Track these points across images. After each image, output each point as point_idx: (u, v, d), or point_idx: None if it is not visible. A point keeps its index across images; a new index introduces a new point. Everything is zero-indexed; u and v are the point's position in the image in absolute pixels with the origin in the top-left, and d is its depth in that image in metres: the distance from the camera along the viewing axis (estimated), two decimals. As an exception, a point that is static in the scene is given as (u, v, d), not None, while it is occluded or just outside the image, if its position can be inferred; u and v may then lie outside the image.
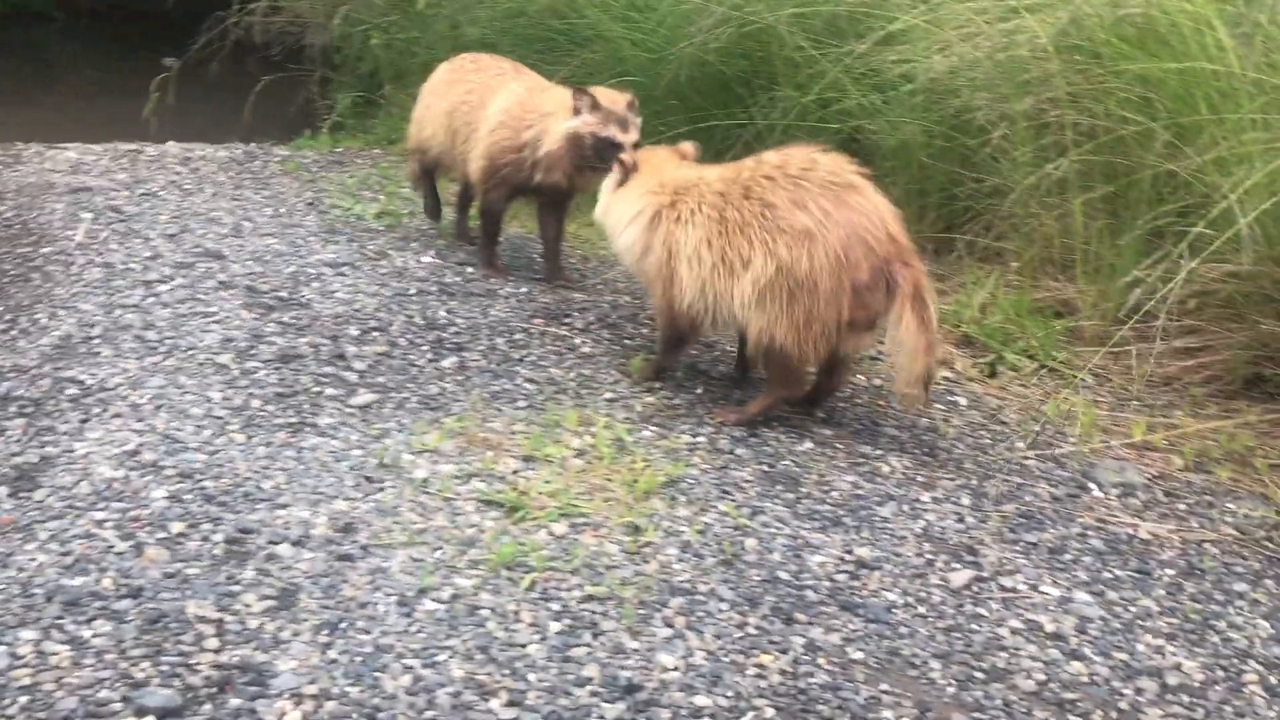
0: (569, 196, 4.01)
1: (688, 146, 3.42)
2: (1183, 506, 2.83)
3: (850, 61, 4.54)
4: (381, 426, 2.93)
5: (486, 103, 4.01)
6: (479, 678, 2.01)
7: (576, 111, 3.68)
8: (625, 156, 3.33)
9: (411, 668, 2.02)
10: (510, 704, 1.95)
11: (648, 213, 3.16)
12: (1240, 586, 2.48)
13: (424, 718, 1.90)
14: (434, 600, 2.22)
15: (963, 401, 3.35)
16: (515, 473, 2.73)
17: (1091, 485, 2.90)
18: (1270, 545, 2.65)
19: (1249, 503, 2.83)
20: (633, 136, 3.65)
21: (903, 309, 2.82)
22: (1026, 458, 3.02)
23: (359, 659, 2.04)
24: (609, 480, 2.72)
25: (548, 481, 2.68)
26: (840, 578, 2.42)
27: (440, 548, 2.40)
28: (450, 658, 2.06)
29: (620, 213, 3.27)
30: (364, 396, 3.08)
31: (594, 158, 3.65)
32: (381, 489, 2.63)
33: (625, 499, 2.64)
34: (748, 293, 2.91)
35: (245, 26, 7.09)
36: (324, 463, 2.72)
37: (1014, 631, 2.27)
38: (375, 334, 3.47)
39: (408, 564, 2.33)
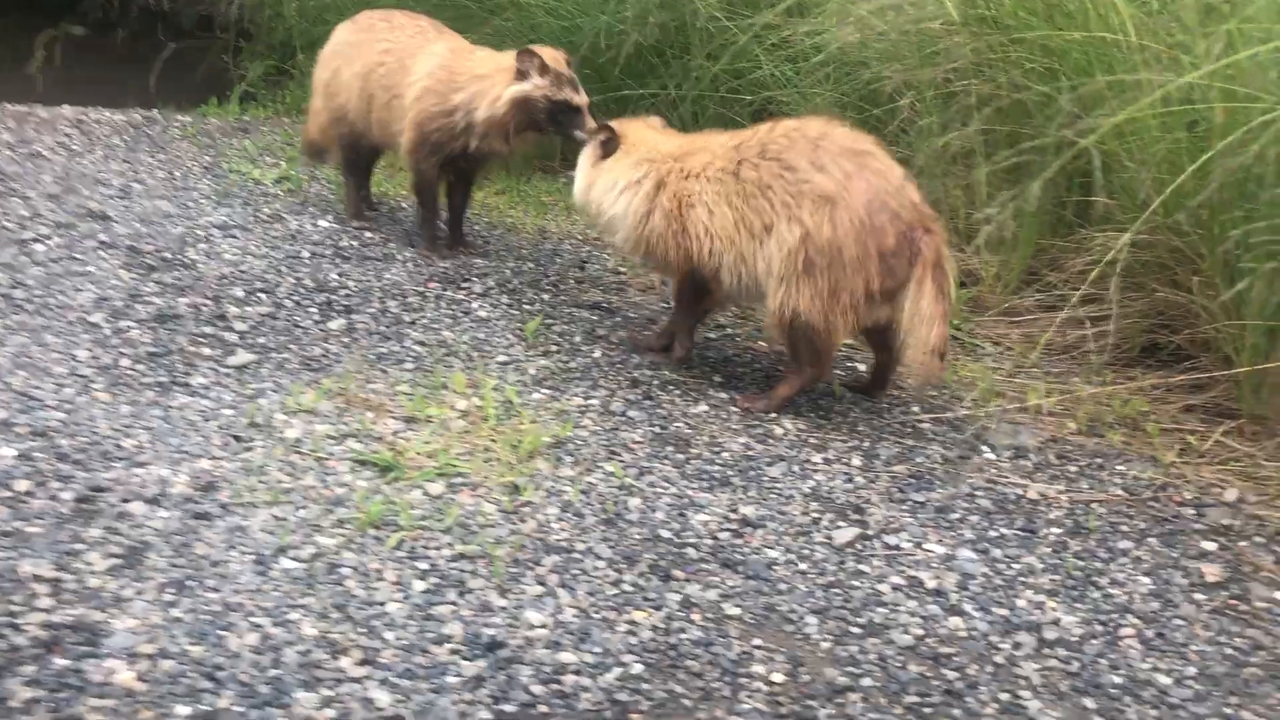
0: (493, 161, 3.87)
1: (654, 119, 3.26)
2: (1073, 469, 2.80)
3: (762, 32, 4.48)
4: (257, 386, 2.80)
5: (408, 65, 3.76)
6: (332, 636, 1.90)
7: (522, 74, 3.49)
8: (614, 125, 3.14)
9: (260, 626, 1.91)
10: (362, 662, 1.85)
11: (649, 179, 3.00)
12: (1124, 544, 2.45)
13: (267, 676, 1.79)
14: (292, 559, 2.11)
15: (862, 368, 3.30)
16: (394, 434, 2.62)
17: (984, 448, 2.87)
18: (1156, 505, 2.64)
19: (1138, 465, 2.82)
20: (584, 98, 3.52)
21: (924, 277, 2.73)
22: (921, 421, 2.98)
23: (205, 618, 1.92)
24: (493, 441, 2.62)
25: (427, 442, 2.58)
26: (723, 536, 2.35)
27: (306, 507, 2.29)
28: (304, 616, 1.95)
29: (609, 183, 3.07)
30: (242, 357, 2.94)
31: (547, 122, 3.52)
32: (250, 448, 2.50)
33: (508, 459, 2.54)
34: (773, 259, 2.78)
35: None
36: (191, 422, 2.59)
37: (895, 588, 2.22)
38: (261, 295, 3.33)
39: (269, 523, 2.22)
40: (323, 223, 4.06)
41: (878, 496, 2.57)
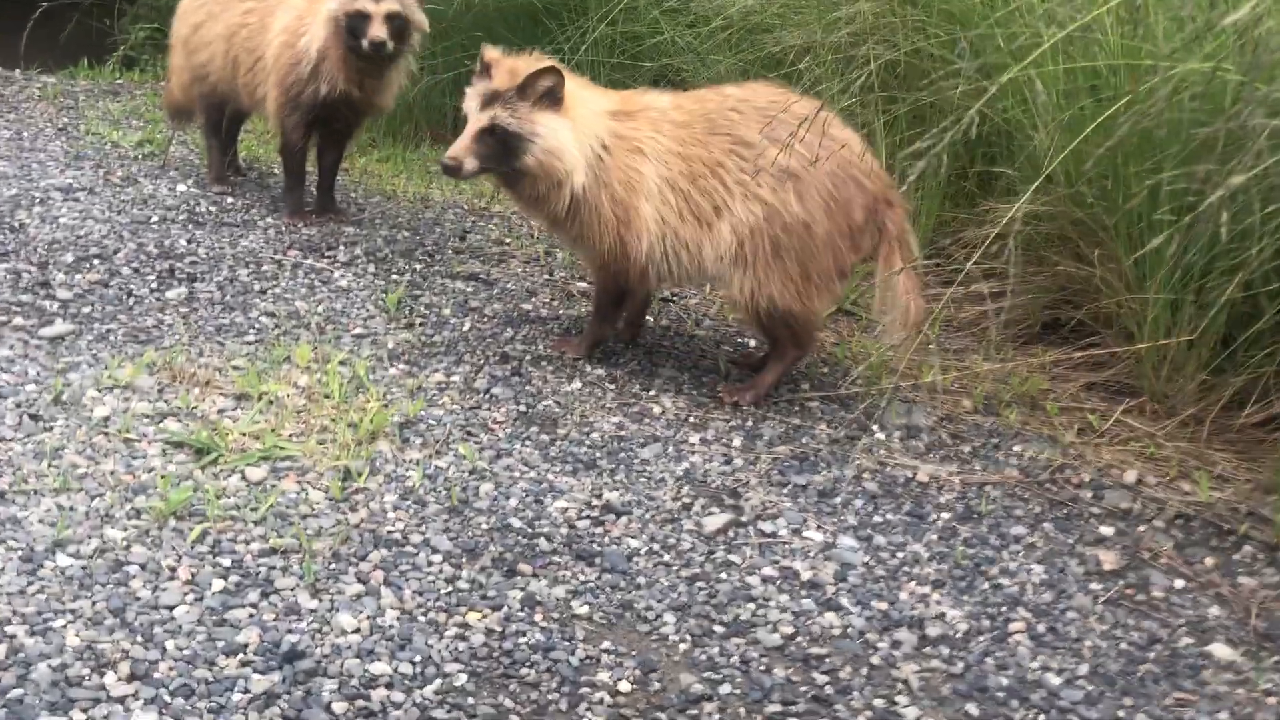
0: (363, 114, 3.54)
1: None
2: (967, 449, 2.59)
3: (662, -4, 4.22)
4: (70, 360, 2.46)
5: (269, 24, 3.46)
6: (100, 646, 1.60)
7: None
8: (488, 52, 2.60)
9: (12, 636, 1.59)
10: (130, 678, 1.55)
11: (592, 141, 2.53)
12: (1018, 530, 2.24)
13: (6, 698, 1.48)
14: (70, 555, 1.79)
15: (752, 344, 3.06)
16: (220, 412, 2.31)
17: (874, 428, 2.64)
18: (1052, 488, 2.44)
19: (1035, 445, 2.62)
20: (386, 6, 3.19)
21: (891, 253, 2.51)
22: (809, 399, 2.74)
23: (-55, 627, 1.60)
24: (332, 421, 2.32)
25: (255, 422, 2.27)
26: (581, 525, 2.08)
27: (100, 495, 1.97)
28: (69, 623, 1.64)
29: (569, 139, 2.55)
30: (59, 327, 2.60)
31: (349, 37, 3.22)
32: (49, 428, 2.18)
33: (346, 440, 2.25)
34: (725, 245, 2.47)
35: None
36: (-16, 399, 2.25)
37: (766, 580, 1.98)
38: (94, 261, 2.98)
39: (50, 514, 1.90)
40: (181, 187, 3.70)
41: (756, 480, 2.33)
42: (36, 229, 3.14)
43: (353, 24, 3.19)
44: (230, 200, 3.64)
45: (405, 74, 3.51)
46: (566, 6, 4.62)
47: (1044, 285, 3.38)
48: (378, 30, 3.18)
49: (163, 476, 2.04)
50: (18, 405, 2.24)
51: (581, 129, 2.57)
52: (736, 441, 2.48)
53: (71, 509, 1.92)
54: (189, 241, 3.22)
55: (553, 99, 2.51)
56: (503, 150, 2.50)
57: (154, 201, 3.52)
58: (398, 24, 3.23)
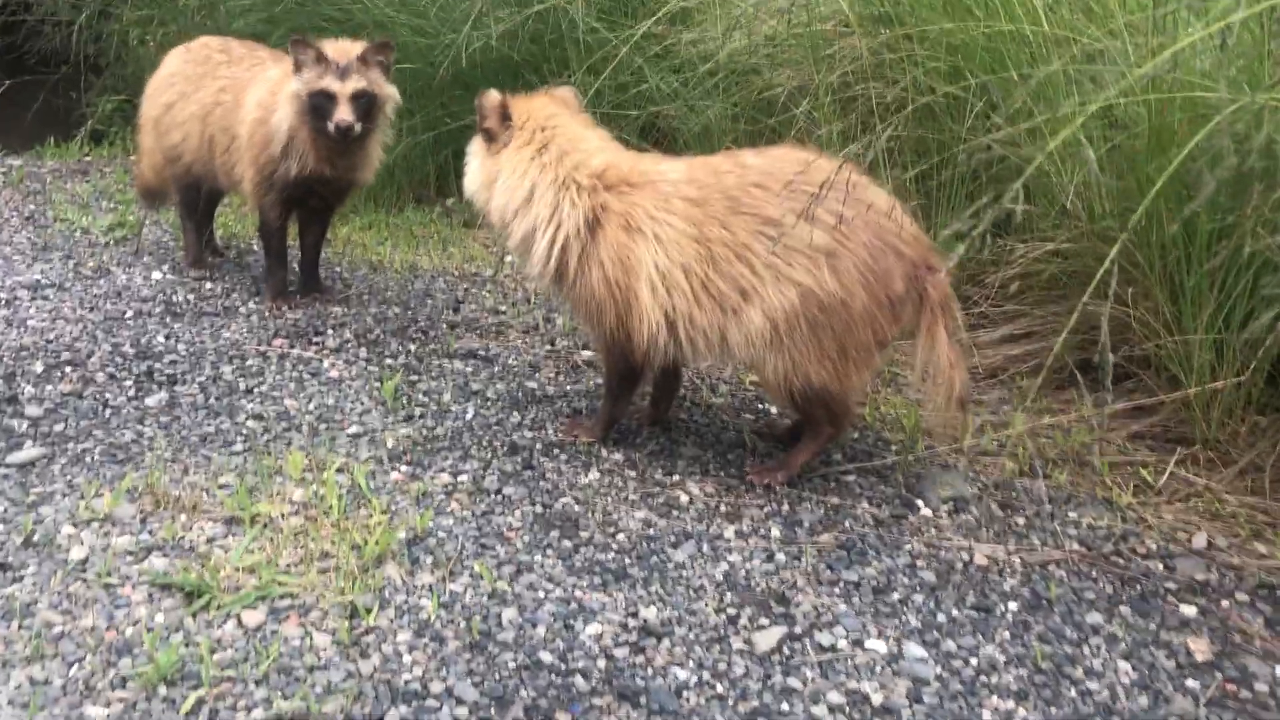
0: (343, 191, 3.31)
1: (565, 92, 2.59)
2: (1021, 520, 2.37)
3: (644, 42, 4.02)
4: (43, 490, 2.21)
5: (243, 100, 3.25)
6: None
7: (298, 69, 3.01)
8: (488, 97, 2.42)
9: None
10: None
11: (575, 215, 2.34)
12: (1094, 618, 2.02)
13: None
14: (44, 746, 1.54)
15: (774, 410, 2.83)
16: (210, 541, 2.06)
17: (919, 501, 2.42)
18: (1120, 561, 2.21)
19: (1092, 509, 2.40)
20: (352, 85, 2.99)
21: (934, 322, 2.28)
22: (845, 473, 2.52)
23: None
24: (333, 544, 2.08)
25: (250, 551, 2.03)
26: (620, 653, 1.84)
27: (79, 660, 1.72)
28: (45, 841, 1.39)
29: (517, 186, 2.39)
30: (29, 451, 2.35)
31: (315, 118, 3.00)
32: (19, 578, 1.93)
33: (350, 567, 2.00)
34: (756, 330, 2.24)
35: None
36: (-54, 547, 2.00)
37: (834, 710, 1.74)
38: (66, 369, 2.74)
39: (23, 691, 1.65)
40: (156, 275, 3.46)
41: (803, 579, 2.09)
42: (2, 334, 2.89)
43: (317, 104, 2.98)
44: (209, 285, 3.40)
45: (382, 146, 3.27)
46: (547, 59, 4.43)
47: (1072, 327, 3.18)
48: (344, 114, 2.97)
49: (149, 630, 1.79)
50: (-17, 552, 1.98)
51: (539, 172, 2.38)
52: (775, 531, 2.25)
53: (46, 682, 1.67)
54: (167, 337, 2.98)
55: (485, 134, 2.45)
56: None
57: (128, 293, 3.27)
58: (365, 103, 3.02)
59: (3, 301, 3.12)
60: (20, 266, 3.42)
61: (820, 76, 3.53)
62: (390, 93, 3.13)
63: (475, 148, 2.50)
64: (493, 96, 2.44)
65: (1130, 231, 2.83)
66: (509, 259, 3.89)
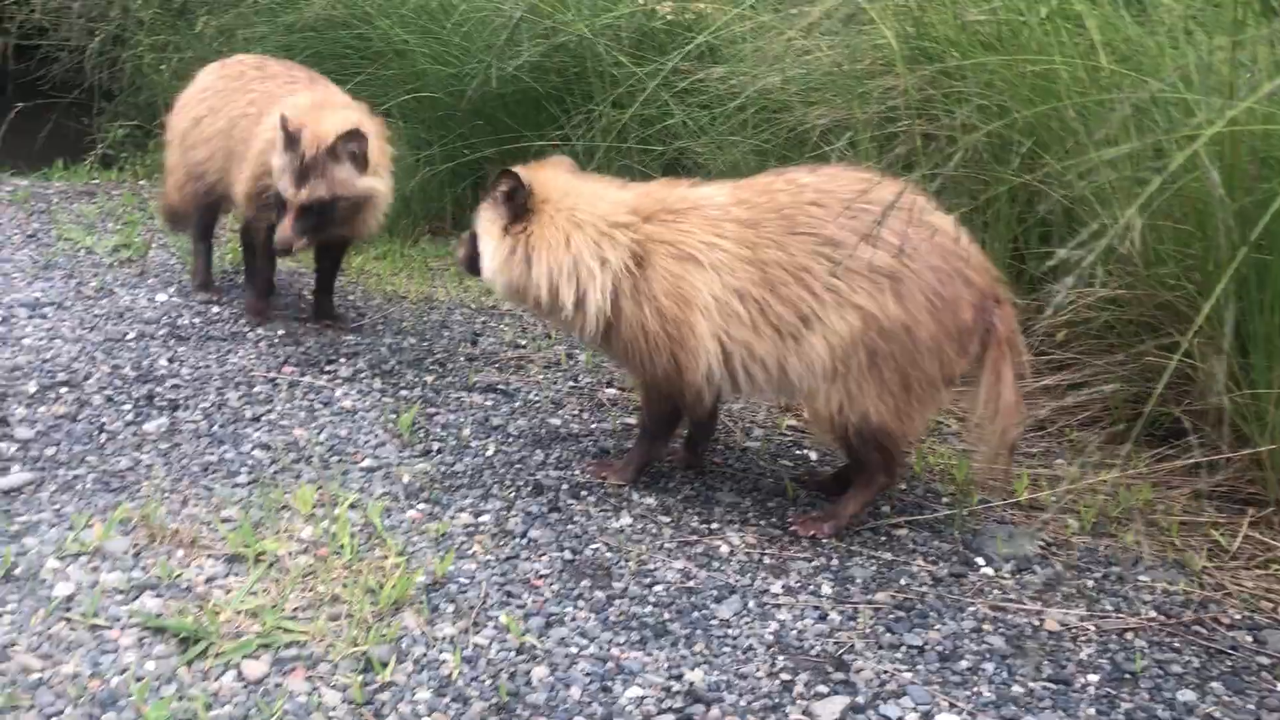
0: (337, 245, 3.12)
1: (561, 160, 2.40)
2: (1090, 583, 2.16)
3: (672, 77, 3.87)
4: (29, 519, 2.00)
5: (263, 117, 3.03)
6: None
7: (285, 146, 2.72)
8: (508, 176, 2.20)
9: None
10: None
11: (616, 256, 2.16)
12: (1185, 696, 1.81)
13: None
14: (10, 816, 1.32)
15: (813, 456, 2.64)
16: (209, 581, 1.85)
17: (978, 559, 2.21)
18: (1203, 631, 2.01)
19: (1165, 574, 2.19)
20: (307, 195, 2.66)
21: (1001, 359, 2.09)
22: (896, 526, 2.31)
23: None
24: (345, 586, 1.87)
25: (253, 594, 1.82)
26: (664, 720, 1.63)
27: (58, 713, 1.51)
28: None
29: (545, 265, 2.19)
30: (16, 476, 2.15)
31: (270, 215, 2.77)
32: (-4, 617, 1.71)
33: (364, 615, 1.79)
34: (817, 357, 2.05)
35: (1, 50, 5.95)
36: (-84, 579, 1.79)
37: (910, 794, 1.52)
38: (61, 390, 2.54)
39: (-11, 748, 1.43)
40: (161, 297, 3.28)
41: (861, 641, 1.88)
42: (-5, 353, 2.70)
43: (274, 204, 2.73)
44: (216, 309, 3.21)
45: (383, 207, 2.96)
46: (570, 91, 4.28)
47: (1128, 376, 2.99)
48: (284, 230, 2.67)
49: (138, 680, 1.58)
50: (-42, 586, 1.77)
51: (575, 231, 2.19)
52: (826, 588, 2.04)
53: (17, 738, 1.45)
54: (170, 360, 2.78)
55: (513, 213, 2.23)
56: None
57: (131, 315, 3.08)
58: (317, 212, 2.69)
59: (1, 319, 2.93)
60: (19, 284, 3.24)
61: (859, 112, 3.38)
62: (364, 188, 2.77)
63: (490, 228, 2.26)
64: (512, 175, 2.21)
65: (1183, 273, 2.67)
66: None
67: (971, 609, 2.02)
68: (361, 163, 2.73)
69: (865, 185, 2.09)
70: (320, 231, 2.75)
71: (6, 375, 2.58)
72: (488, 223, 2.26)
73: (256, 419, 2.51)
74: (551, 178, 2.28)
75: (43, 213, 4.16)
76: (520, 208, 2.21)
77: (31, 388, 2.53)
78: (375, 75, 4.42)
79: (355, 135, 2.70)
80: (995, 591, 2.10)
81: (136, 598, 1.79)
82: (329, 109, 2.87)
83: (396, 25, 4.34)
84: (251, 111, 3.09)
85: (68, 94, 6.13)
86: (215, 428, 2.44)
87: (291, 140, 2.67)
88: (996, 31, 3.35)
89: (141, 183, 5.09)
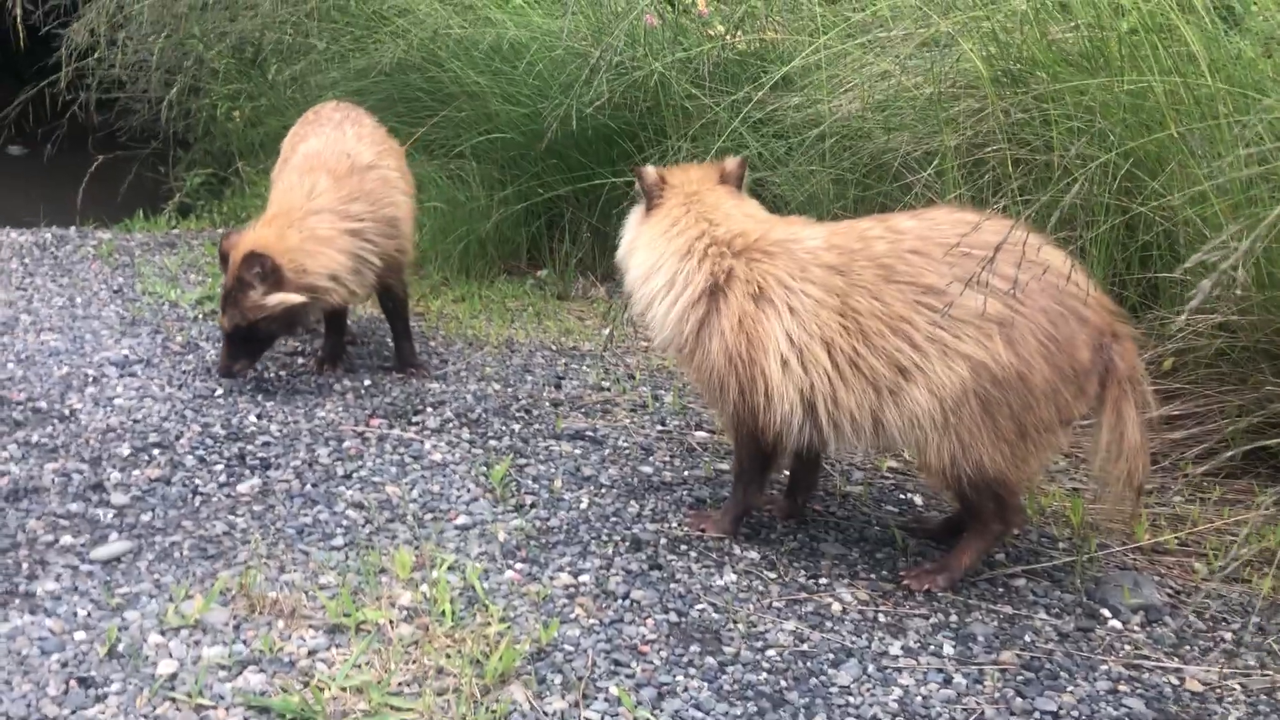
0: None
1: (731, 164, 2.36)
2: (1227, 636, 2.03)
3: (747, 109, 3.80)
4: (129, 591, 1.97)
5: (296, 144, 3.12)
6: None
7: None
8: (648, 171, 2.27)
9: None
10: None
11: (698, 279, 2.14)
12: (1352, 765, 1.67)
13: None
14: None
15: (919, 500, 2.53)
16: (311, 654, 1.80)
17: (1104, 610, 2.09)
18: (1360, 689, 1.86)
19: (1308, 623, 2.05)
20: (229, 321, 2.77)
21: (1123, 398, 2.00)
22: (1013, 576, 2.19)
23: None
24: (449, 657, 1.80)
25: (357, 667, 1.76)
26: (791, 801, 1.53)
27: (167, 804, 1.46)
28: None
29: (649, 257, 2.22)
30: (114, 545, 2.12)
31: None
32: (102, 695, 1.68)
33: (470, 689, 1.72)
34: (922, 409, 1.96)
35: (82, 105, 6.08)
36: (22, 657, 1.76)
37: None
38: (154, 452, 2.53)
39: (102, 845, 1.38)
40: (246, 350, 3.26)
41: (991, 707, 1.77)
42: (89, 415, 2.70)
43: None
44: (301, 361, 3.20)
45: (395, 258, 3.01)
46: (644, 127, 4.23)
47: (1244, 407, 2.84)
48: (222, 358, 2.86)
49: (246, 766, 1.53)
50: (63, 665, 1.74)
51: (669, 247, 2.19)
52: (948, 649, 1.93)
53: (129, 832, 1.40)
54: (259, 416, 2.76)
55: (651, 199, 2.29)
56: None
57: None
58: (246, 334, 2.79)
59: (90, 379, 2.94)
60: (108, 342, 3.25)
61: (945, 138, 3.27)
62: (276, 302, 2.74)
63: (633, 218, 2.34)
64: (650, 171, 2.28)
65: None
66: (608, 331, 3.65)
67: (1104, 667, 1.90)
68: (268, 280, 2.73)
69: (963, 222, 2.00)
70: (258, 351, 2.88)
71: (101, 438, 2.58)
72: (636, 212, 2.34)
73: (348, 476, 2.47)
74: (690, 181, 2.28)
75: (127, 266, 4.20)
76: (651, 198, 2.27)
77: (125, 450, 2.52)
78: (448, 118, 4.41)
79: (253, 258, 2.71)
80: (1127, 647, 1.97)
81: (239, 674, 1.74)
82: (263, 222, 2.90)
83: (468, 67, 4.32)
84: (292, 158, 3.10)
85: (146, 145, 6.26)
86: (308, 486, 2.41)
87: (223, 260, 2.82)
88: (1083, 48, 3.23)
89: (219, 230, 5.14)
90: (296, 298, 2.74)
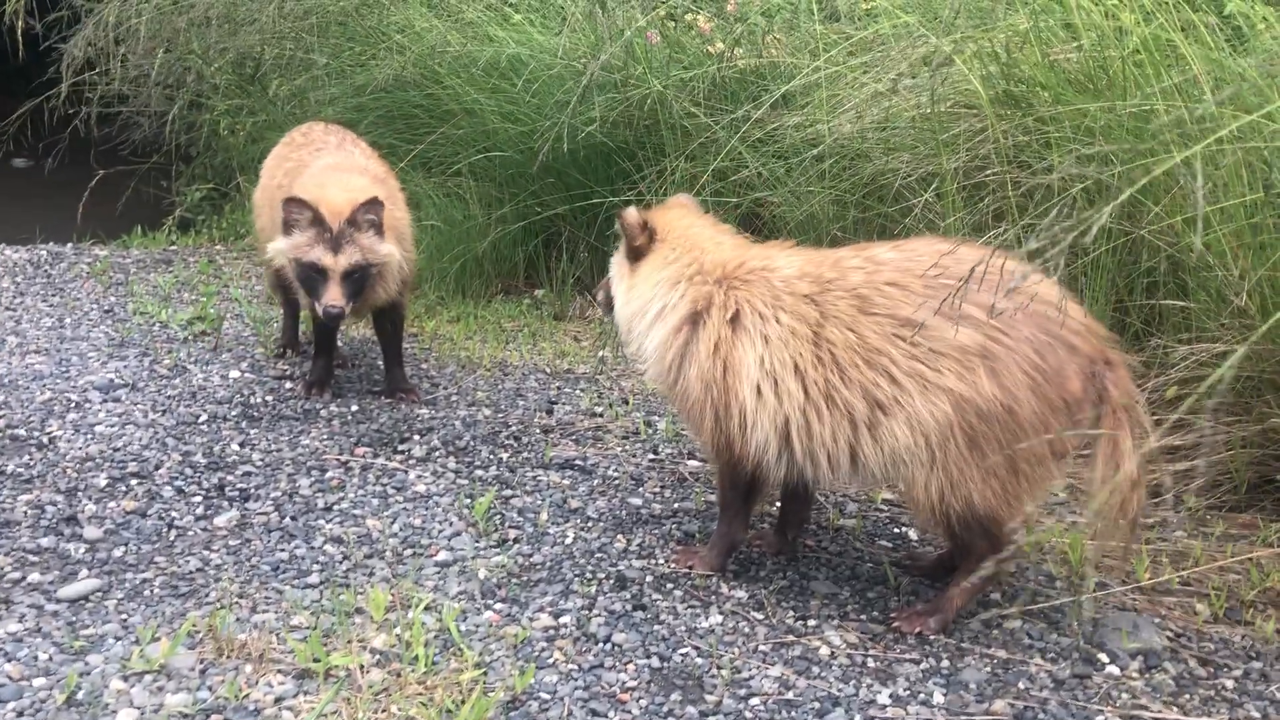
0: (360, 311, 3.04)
1: (682, 198, 2.37)
2: (1229, 684, 1.95)
3: (746, 128, 3.74)
4: (94, 632, 1.92)
5: (305, 164, 3.07)
6: None
7: (288, 227, 2.71)
8: (629, 213, 2.22)
9: None
10: None
11: (681, 306, 2.12)
12: (1359, 829, 1.59)
13: None
14: None
15: (913, 535, 2.46)
16: (278, 702, 1.74)
17: (1101, 655, 2.01)
18: (1368, 742, 1.78)
19: (1315, 671, 1.96)
20: (345, 260, 2.69)
21: (1116, 425, 1.92)
22: (1007, 616, 2.12)
23: None
24: (422, 707, 1.74)
25: (324, 717, 1.69)
26: None
27: None
28: None
29: (642, 301, 2.19)
30: (83, 583, 2.06)
31: (304, 287, 2.75)
32: (58, 749, 1.61)
33: (440, 741, 1.66)
34: (903, 446, 1.91)
35: (84, 119, 6.05)
36: (-21, 706, 1.70)
37: None
38: (131, 482, 2.47)
39: None
40: (234, 373, 3.22)
41: (982, 763, 1.69)
42: (68, 443, 2.65)
43: (307, 277, 2.71)
44: (289, 385, 3.14)
45: (401, 271, 2.92)
46: (642, 145, 4.17)
47: (1248, 439, 2.76)
48: (333, 297, 2.68)
49: (201, 826, 1.46)
50: (19, 715, 1.68)
51: (657, 289, 2.16)
52: (938, 697, 1.86)
53: None
54: (242, 445, 2.70)
55: (633, 253, 2.25)
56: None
57: (203, 395, 3.02)
58: (358, 279, 2.73)
59: (72, 404, 2.89)
60: (94, 364, 3.20)
61: (945, 160, 3.20)
62: (385, 254, 2.78)
63: (618, 270, 2.28)
64: (633, 215, 2.22)
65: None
66: (603, 354, 3.59)
67: (1100, 718, 1.82)
68: (378, 229, 2.75)
69: (939, 252, 1.93)
70: (361, 297, 2.78)
71: (79, 467, 2.52)
72: (618, 264, 2.29)
73: (328, 509, 2.41)
74: (676, 221, 2.25)
75: (120, 284, 4.16)
76: (637, 250, 2.22)
77: (102, 480, 2.46)
78: (446, 135, 4.36)
79: (375, 204, 2.73)
80: (1124, 695, 1.89)
81: (203, 723, 1.68)
82: (347, 170, 2.92)
83: (466, 84, 4.28)
84: (286, 184, 3.05)
85: (147, 159, 6.23)
86: (286, 520, 2.35)
87: (315, 218, 2.71)
88: (1085, 69, 3.16)
89: (218, 246, 5.10)
90: (394, 258, 2.77)
